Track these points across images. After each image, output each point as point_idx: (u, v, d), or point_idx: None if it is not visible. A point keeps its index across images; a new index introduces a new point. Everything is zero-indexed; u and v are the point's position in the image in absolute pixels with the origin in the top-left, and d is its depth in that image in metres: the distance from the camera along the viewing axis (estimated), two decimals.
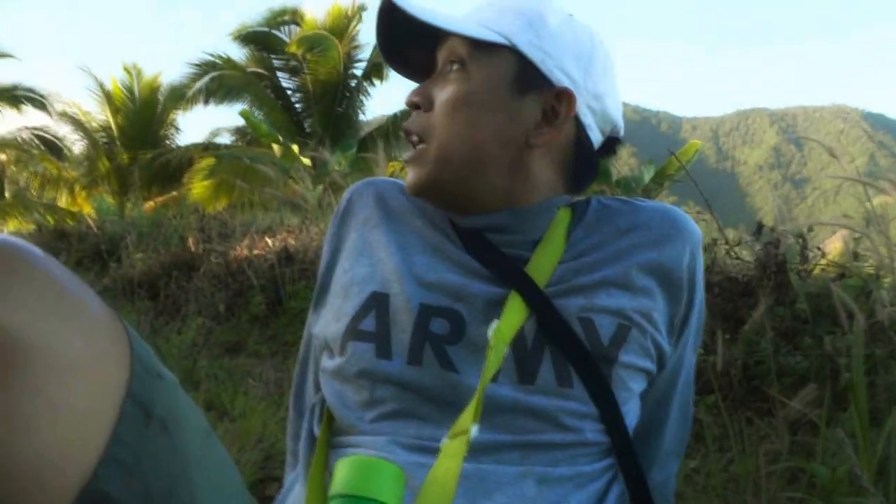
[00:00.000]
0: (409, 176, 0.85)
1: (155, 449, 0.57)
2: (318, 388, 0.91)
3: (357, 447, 0.78)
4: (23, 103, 17.90)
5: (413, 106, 0.85)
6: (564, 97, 0.80)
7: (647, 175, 9.62)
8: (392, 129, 14.46)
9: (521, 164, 0.82)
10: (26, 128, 18.19)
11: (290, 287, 4.43)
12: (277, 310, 4.43)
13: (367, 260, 0.86)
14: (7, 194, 16.81)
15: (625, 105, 0.97)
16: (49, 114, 17.51)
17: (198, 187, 12.56)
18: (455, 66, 0.81)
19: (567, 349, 0.76)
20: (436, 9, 0.83)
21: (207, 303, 4.58)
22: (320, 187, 7.52)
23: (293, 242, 5.12)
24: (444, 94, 0.81)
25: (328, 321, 0.86)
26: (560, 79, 0.81)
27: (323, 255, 0.94)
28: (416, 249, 0.85)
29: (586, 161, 0.87)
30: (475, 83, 0.80)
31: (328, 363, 0.85)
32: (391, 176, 12.89)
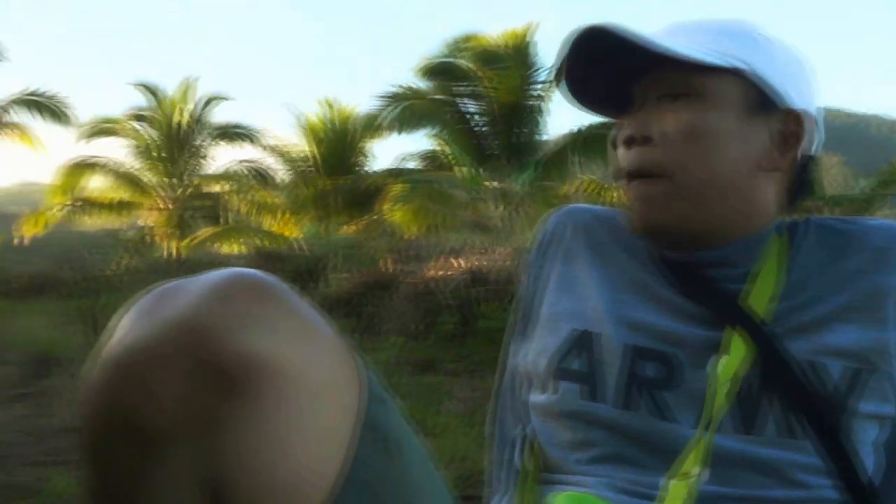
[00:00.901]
0: (643, 214, 0.80)
1: (387, 472, 0.58)
2: (518, 417, 0.91)
3: (568, 485, 0.76)
4: (238, 140, 20.08)
5: (629, 141, 0.81)
6: (794, 118, 0.78)
7: (865, 186, 8.69)
8: (572, 147, 14.35)
9: (751, 191, 0.79)
10: (241, 161, 20.34)
11: (480, 307, 4.53)
12: (468, 329, 4.53)
13: (572, 295, 0.85)
14: (226, 220, 18.87)
15: (830, 110, 0.91)
16: (260, 148, 19.43)
17: (396, 212, 13.23)
18: (682, 96, 0.78)
19: (794, 396, 0.71)
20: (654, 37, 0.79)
21: (401, 321, 4.81)
22: (504, 208, 7.61)
23: (481, 263, 5.24)
24: (675, 125, 0.77)
25: (532, 354, 0.86)
26: (791, 100, 0.78)
27: (524, 284, 0.93)
28: (623, 287, 0.82)
29: (806, 180, 0.83)
30: (710, 112, 0.77)
31: (535, 398, 0.84)
32: (574, 194, 12.79)
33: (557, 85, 0.86)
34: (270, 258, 9.71)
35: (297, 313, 0.55)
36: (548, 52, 15.74)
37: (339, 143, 18.37)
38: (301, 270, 8.65)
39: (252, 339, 0.50)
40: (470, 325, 4.60)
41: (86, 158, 18.68)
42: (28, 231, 18.44)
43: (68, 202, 18.68)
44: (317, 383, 0.54)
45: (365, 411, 0.57)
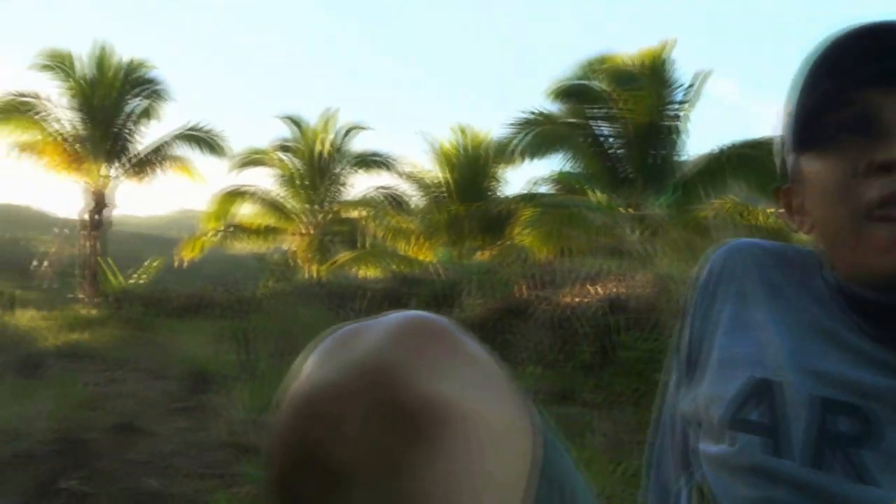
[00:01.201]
0: None
1: None
2: (680, 464, 0.86)
3: None
4: (375, 167, 20.89)
5: (887, 167, 0.70)
6: None
7: None
8: (712, 168, 13.75)
9: None
10: (378, 188, 21.15)
11: (620, 336, 4.40)
12: (607, 358, 4.41)
13: (748, 339, 0.79)
14: (363, 244, 19.63)
15: None
16: (395, 175, 20.11)
17: (528, 236, 13.23)
18: None
19: None
20: None
21: (538, 349, 4.76)
22: (641, 233, 7.40)
23: (620, 290, 5.10)
24: None
25: (702, 400, 0.80)
26: None
27: (686, 324, 0.87)
28: (806, 332, 0.75)
29: None
30: None
31: (707, 448, 0.79)
32: (714, 217, 12.23)
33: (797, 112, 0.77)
34: (406, 282, 9.94)
35: (476, 357, 0.54)
36: (684, 70, 15.24)
37: (471, 169, 18.65)
38: (436, 295, 8.80)
39: (435, 382, 0.50)
40: (609, 354, 4.47)
41: (237, 187, 20.12)
42: (186, 255, 20.02)
43: (221, 228, 20.17)
44: (497, 430, 0.53)
45: (541, 458, 0.56)
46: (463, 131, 18.70)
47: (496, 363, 0.57)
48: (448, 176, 18.61)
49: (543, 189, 17.34)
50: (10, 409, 3.83)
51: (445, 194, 18.76)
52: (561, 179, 16.14)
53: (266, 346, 7.32)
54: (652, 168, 14.78)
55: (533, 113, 15.46)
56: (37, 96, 17.66)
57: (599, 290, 5.31)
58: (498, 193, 18.91)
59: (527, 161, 15.81)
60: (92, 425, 4.36)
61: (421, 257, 17.52)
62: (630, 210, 11.49)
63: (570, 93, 15.48)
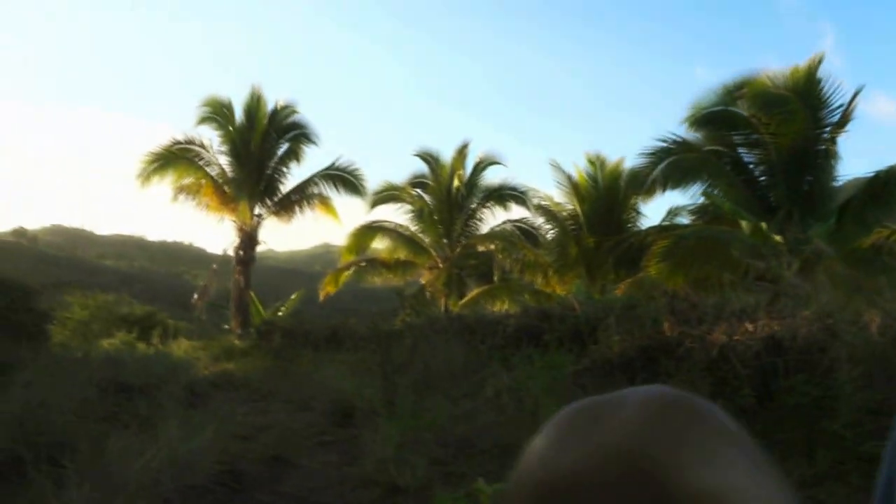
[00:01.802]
0: None
1: None
2: None
3: None
4: (507, 201, 20.97)
5: None
6: None
7: None
8: (877, 192, 12.62)
9: None
10: (509, 220, 21.18)
11: (780, 379, 4.07)
12: (766, 403, 4.09)
13: None
14: (496, 278, 19.64)
15: None
16: (527, 207, 20.05)
17: (655, 267, 12.74)
18: None
19: None
20: None
21: (689, 391, 4.48)
22: (796, 265, 6.88)
23: (778, 328, 4.73)
24: None
25: None
26: None
27: None
28: None
29: None
30: None
31: None
32: (877, 247, 11.19)
33: None
34: (542, 316, 9.78)
35: (738, 437, 0.49)
36: (837, 88, 14.14)
37: (605, 200, 18.25)
38: (574, 331, 8.58)
39: (706, 471, 0.44)
40: (768, 398, 4.14)
41: (372, 222, 20.84)
42: (328, 288, 20.89)
43: (358, 262, 20.92)
44: None
45: None
46: (593, 162, 18.36)
47: (755, 443, 0.51)
48: (581, 208, 18.29)
49: (684, 220, 16.65)
50: (179, 439, 4.06)
51: (578, 226, 18.44)
52: (706, 208, 15.41)
53: (406, 379, 7.42)
54: (803, 195, 13.80)
55: (668, 141, 14.93)
56: (199, 144, 19.27)
57: (755, 327, 4.95)
58: (635, 225, 18.34)
59: (665, 191, 15.22)
60: (247, 456, 4.56)
61: (557, 291, 17.29)
62: (780, 240, 10.76)
63: (710, 119, 14.82)
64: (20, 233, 41.48)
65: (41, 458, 3.42)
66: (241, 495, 3.79)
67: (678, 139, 15.15)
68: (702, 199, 14.99)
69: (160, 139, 19.87)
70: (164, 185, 19.22)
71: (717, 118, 14.77)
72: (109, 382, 6.31)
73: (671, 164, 14.68)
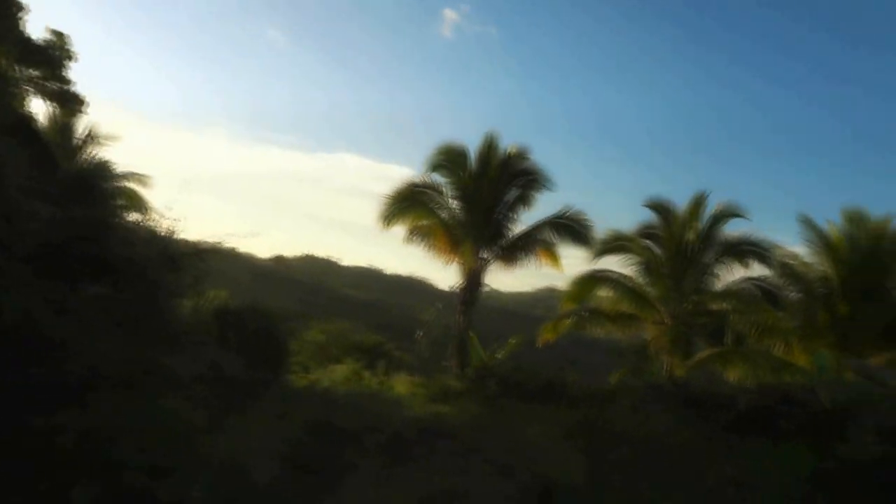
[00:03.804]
0: None
1: None
2: None
3: None
4: (747, 257, 19.18)
5: None
6: None
7: None
8: None
9: None
10: (748, 278, 19.33)
11: None
12: None
13: None
14: (728, 340, 17.98)
15: None
16: (769, 266, 18.17)
17: None
18: None
19: None
20: None
21: None
22: None
23: None
24: None
25: None
26: None
27: None
28: None
29: None
30: None
31: None
32: None
33: None
34: (781, 398, 8.65)
35: None
36: None
37: (865, 262, 15.99)
38: (815, 421, 7.46)
39: None
40: None
41: (596, 271, 20.19)
42: (546, 335, 20.61)
43: (580, 311, 20.37)
44: None
45: None
46: (852, 218, 16.20)
47: None
48: (834, 269, 16.20)
49: None
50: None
51: (829, 290, 16.33)
52: None
53: (617, 452, 6.91)
54: None
55: None
56: (433, 188, 20.21)
57: None
58: None
59: None
60: None
61: (799, 362, 15.39)
62: None
63: None
64: (279, 260, 46.95)
65: None
66: None
67: None
68: None
69: (391, 180, 21.17)
70: (402, 224, 20.41)
71: None
72: (321, 425, 6.63)
73: None
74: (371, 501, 4.43)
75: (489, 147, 20.08)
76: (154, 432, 4.32)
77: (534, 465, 6.55)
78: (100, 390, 5.24)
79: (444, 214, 20.15)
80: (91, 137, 20.81)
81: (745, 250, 19.16)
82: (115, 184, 19.23)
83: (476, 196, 19.84)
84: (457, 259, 20.04)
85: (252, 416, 5.83)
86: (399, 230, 20.77)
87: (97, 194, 10.91)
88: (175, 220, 11.02)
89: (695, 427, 8.62)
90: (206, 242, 11.37)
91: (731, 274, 19.60)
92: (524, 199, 20.45)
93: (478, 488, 5.95)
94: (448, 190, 20.27)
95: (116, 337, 6.54)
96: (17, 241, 8.11)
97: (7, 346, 5.56)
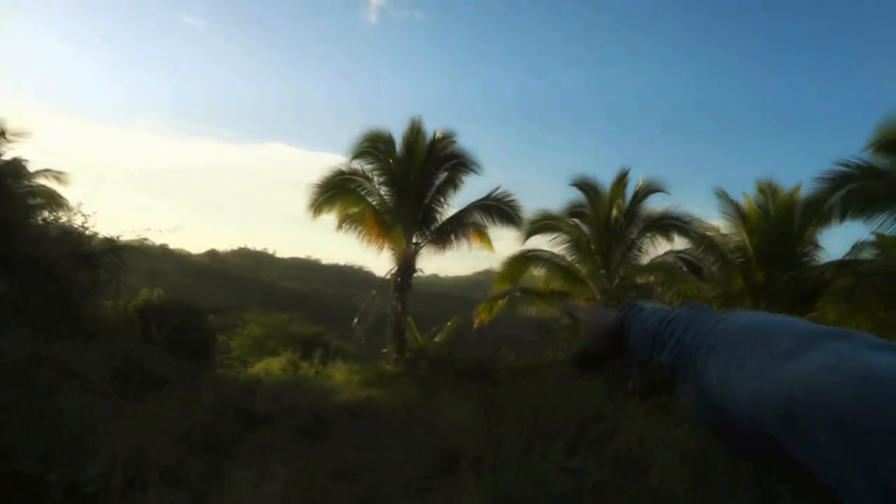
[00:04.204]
0: None
1: None
2: None
3: None
4: (670, 231, 19.84)
5: None
6: None
7: None
8: None
9: None
10: (672, 251, 20.01)
11: None
12: None
13: None
14: None
15: None
16: (690, 239, 18.85)
17: (833, 311, 11.41)
18: None
19: None
20: None
21: None
22: None
23: None
24: None
25: None
26: None
27: None
28: None
29: None
30: None
31: None
32: None
33: None
34: None
35: None
36: None
37: (776, 232, 16.72)
38: None
39: None
40: None
41: (527, 251, 20.60)
42: (481, 316, 20.94)
43: (512, 291, 20.74)
44: None
45: None
46: (764, 190, 16.92)
47: None
48: (749, 239, 16.91)
49: (869, 254, 14.83)
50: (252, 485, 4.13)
51: (747, 259, 17.06)
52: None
53: (525, 421, 7.13)
54: None
55: (850, 165, 13.39)
56: (362, 175, 20.21)
57: None
58: (811, 259, 16.64)
59: (843, 223, 13.65)
60: (332, 499, 4.56)
61: None
62: None
63: None
64: (213, 255, 46.24)
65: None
66: None
67: (862, 164, 13.56)
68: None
69: (323, 169, 21.08)
70: (332, 213, 20.38)
71: None
72: (234, 411, 6.67)
73: (853, 192, 13.16)
74: (281, 477, 4.52)
75: (415, 132, 20.16)
76: (49, 422, 4.31)
77: (446, 440, 6.74)
78: (2, 387, 5.17)
79: (373, 201, 20.19)
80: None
81: (667, 224, 19.81)
82: (28, 182, 18.58)
83: (404, 181, 19.93)
84: (389, 245, 20.14)
85: (162, 405, 5.84)
86: (331, 219, 20.79)
87: (3, 193, 10.55)
88: (87, 216, 10.77)
89: (612, 394, 8.96)
90: (119, 239, 11.14)
91: (656, 248, 20.33)
92: (453, 183, 20.65)
93: (389, 462, 6.10)
94: (376, 176, 20.31)
95: (19, 335, 6.43)
96: None
97: None
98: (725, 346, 0.71)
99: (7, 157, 18.58)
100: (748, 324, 0.72)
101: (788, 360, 0.60)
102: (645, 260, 20.15)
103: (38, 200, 17.56)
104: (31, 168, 19.04)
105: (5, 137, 19.80)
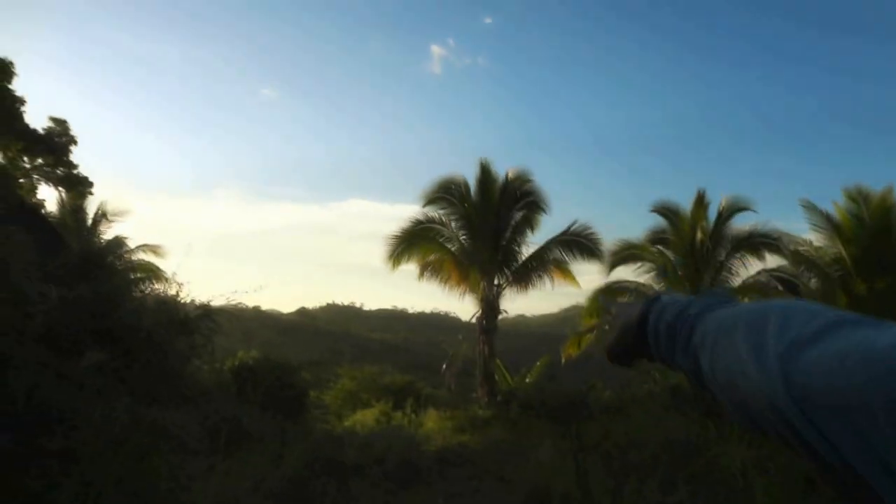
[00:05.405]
0: None
1: None
2: None
3: None
4: (760, 249, 19.03)
5: None
6: None
7: None
8: None
9: None
10: (765, 270, 19.15)
11: None
12: None
13: None
14: None
15: None
16: (782, 255, 18.02)
17: None
18: None
19: None
20: None
21: None
22: None
23: None
24: None
25: None
26: None
27: None
28: None
29: None
30: None
31: None
32: None
33: None
34: None
35: None
36: None
37: (875, 238, 15.81)
38: None
39: None
40: None
41: (612, 283, 20.19)
42: (569, 351, 20.61)
43: (601, 325, 20.34)
44: None
45: None
46: (854, 197, 16.06)
47: None
48: (846, 250, 16.04)
49: None
50: None
51: (843, 271, 16.16)
52: None
53: (622, 459, 6.92)
54: None
55: None
56: (439, 222, 20.48)
57: None
58: None
59: None
60: None
61: None
62: None
63: None
64: (303, 312, 47.69)
65: None
66: None
67: None
68: None
69: (401, 220, 21.50)
70: (412, 262, 20.69)
71: None
72: (324, 462, 6.79)
73: None
74: None
75: (486, 174, 20.34)
76: (145, 481, 4.52)
77: (536, 480, 6.61)
78: (102, 451, 5.47)
79: (452, 246, 20.36)
80: (102, 216, 21.55)
81: (756, 242, 19.01)
82: (130, 257, 19.82)
83: (480, 224, 20.04)
84: (470, 288, 20.20)
85: (252, 460, 6.01)
86: (413, 268, 21.08)
87: (106, 270, 11.33)
88: (180, 284, 11.40)
89: (709, 426, 8.60)
90: (210, 304, 11.70)
91: (747, 268, 19.51)
92: (529, 222, 20.61)
93: (481, 503, 6.04)
94: (453, 221, 20.52)
95: (121, 402, 6.80)
96: (28, 324, 8.48)
97: (16, 422, 5.84)
98: (727, 334, 0.71)
99: (109, 235, 19.99)
100: (758, 309, 0.71)
101: (803, 347, 0.60)
102: (736, 282, 19.38)
103: (140, 274, 18.66)
104: (131, 244, 20.37)
105: (107, 218, 21.34)
